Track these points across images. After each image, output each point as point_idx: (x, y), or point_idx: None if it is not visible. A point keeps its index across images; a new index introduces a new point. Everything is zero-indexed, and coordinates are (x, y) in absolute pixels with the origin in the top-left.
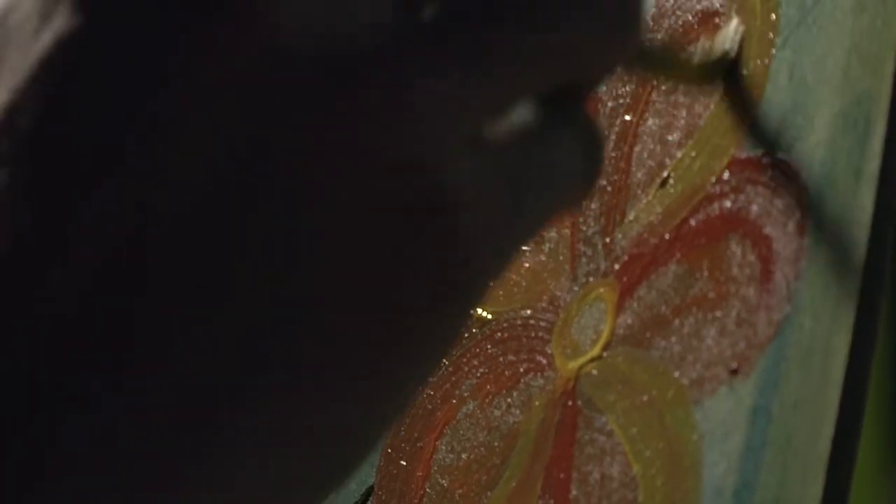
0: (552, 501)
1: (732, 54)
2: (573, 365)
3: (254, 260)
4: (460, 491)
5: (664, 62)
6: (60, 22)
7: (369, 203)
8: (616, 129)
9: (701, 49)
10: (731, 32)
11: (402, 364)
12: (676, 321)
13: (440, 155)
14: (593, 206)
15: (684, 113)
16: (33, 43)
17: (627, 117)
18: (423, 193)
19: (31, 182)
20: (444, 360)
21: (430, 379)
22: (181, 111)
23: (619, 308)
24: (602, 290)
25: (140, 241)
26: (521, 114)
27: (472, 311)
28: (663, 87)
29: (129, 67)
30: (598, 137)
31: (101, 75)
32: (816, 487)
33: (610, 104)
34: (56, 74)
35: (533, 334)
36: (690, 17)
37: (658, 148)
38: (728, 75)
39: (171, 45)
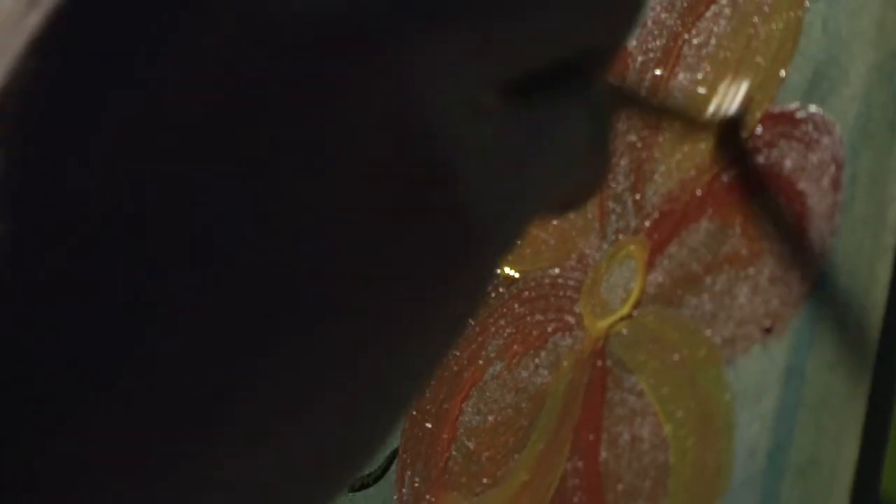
0: (581, 463)
1: (730, 113)
2: (602, 324)
3: (250, 234)
4: (487, 453)
5: (664, 108)
6: (47, 1)
7: (367, 172)
8: (646, 83)
9: (700, 101)
10: (731, 91)
11: (409, 343)
12: (708, 279)
13: (440, 121)
14: (623, 161)
15: (715, 66)
16: (22, 26)
17: (658, 71)
18: (421, 161)
19: (27, 161)
20: (471, 321)
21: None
22: (171, 81)
23: (650, 266)
24: (632, 247)
25: (139, 213)
26: (526, 85)
27: (481, 289)
28: (695, 42)
29: (117, 40)
30: (604, 120)
31: (88, 49)
32: (852, 449)
33: (640, 59)
34: (45, 50)
35: (561, 293)
36: None
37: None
38: (727, 129)
39: (158, 16)
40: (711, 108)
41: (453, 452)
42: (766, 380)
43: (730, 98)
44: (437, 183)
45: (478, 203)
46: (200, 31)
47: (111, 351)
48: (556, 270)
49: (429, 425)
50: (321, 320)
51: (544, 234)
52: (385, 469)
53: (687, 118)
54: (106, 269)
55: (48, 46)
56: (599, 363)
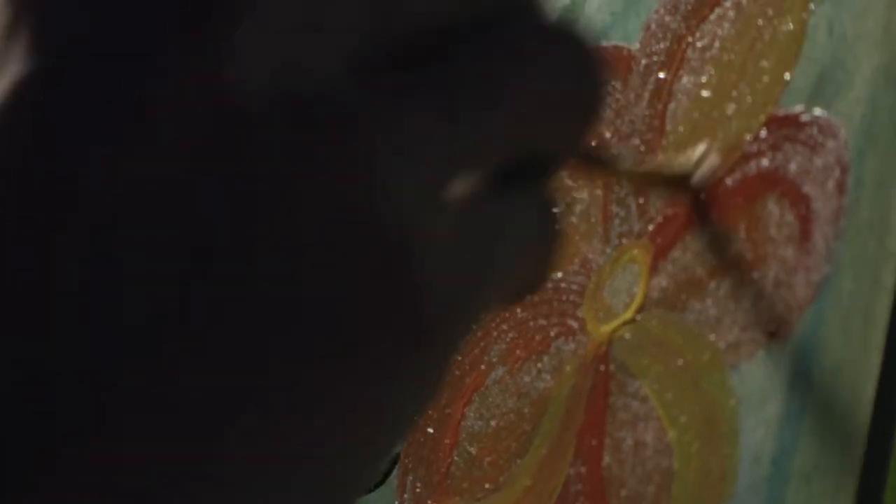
0: (584, 468)
1: (696, 177)
2: (605, 329)
3: (205, 321)
4: (489, 458)
5: (631, 171)
6: (15, 67)
7: (328, 257)
8: (650, 86)
9: (668, 163)
10: (697, 154)
11: (361, 430)
12: (712, 283)
13: (399, 211)
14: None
15: (719, 69)
16: None
17: (661, 75)
18: (381, 248)
19: None
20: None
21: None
22: (136, 167)
23: (653, 270)
24: (636, 251)
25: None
26: (479, 179)
27: (437, 379)
28: (699, 45)
29: (83, 119)
30: (554, 215)
31: (53, 125)
32: (858, 454)
33: (644, 62)
34: (8, 122)
35: (564, 297)
36: None
37: (692, 106)
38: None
39: (128, 98)
40: (691, 170)
41: (455, 457)
42: (771, 385)
43: (704, 159)
44: (395, 270)
45: (435, 291)
46: (167, 131)
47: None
48: (559, 275)
49: (430, 430)
50: (269, 409)
51: None
52: (386, 474)
53: (669, 182)
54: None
55: (12, 123)
56: (602, 368)
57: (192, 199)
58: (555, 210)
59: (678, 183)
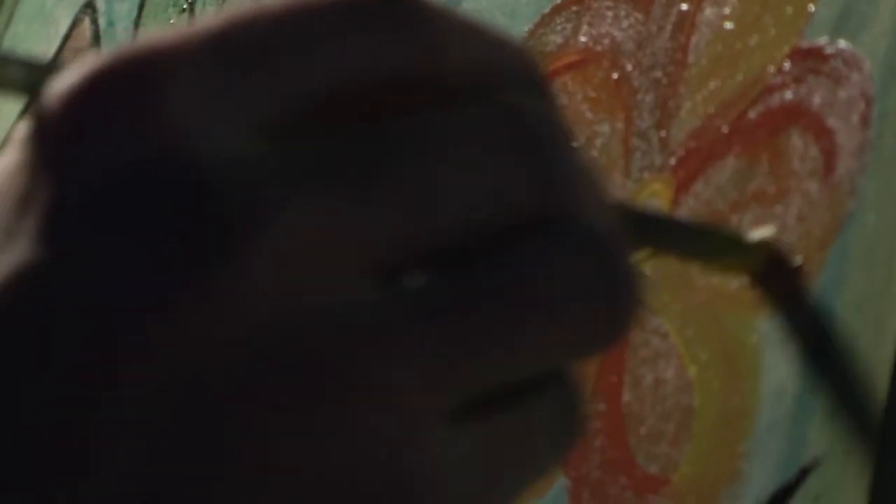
0: (604, 406)
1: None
2: None
3: None
4: None
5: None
6: (16, 254)
7: (333, 489)
8: (672, 18)
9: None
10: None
11: None
12: (735, 217)
13: (411, 438)
14: (648, 98)
15: (743, 1)
16: None
17: (684, 6)
18: (391, 478)
19: None
20: None
21: None
22: (130, 384)
23: (675, 204)
24: (657, 185)
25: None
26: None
27: None
28: None
29: (77, 322)
30: (578, 403)
31: (47, 321)
32: (882, 390)
33: None
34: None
35: None
36: None
37: (715, 38)
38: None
39: (127, 312)
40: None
41: None
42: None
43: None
44: (406, 500)
45: None
46: (169, 352)
47: None
48: None
49: None
50: None
51: None
52: None
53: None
54: None
55: (7, 310)
56: None
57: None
58: (578, 405)
59: (735, 263)
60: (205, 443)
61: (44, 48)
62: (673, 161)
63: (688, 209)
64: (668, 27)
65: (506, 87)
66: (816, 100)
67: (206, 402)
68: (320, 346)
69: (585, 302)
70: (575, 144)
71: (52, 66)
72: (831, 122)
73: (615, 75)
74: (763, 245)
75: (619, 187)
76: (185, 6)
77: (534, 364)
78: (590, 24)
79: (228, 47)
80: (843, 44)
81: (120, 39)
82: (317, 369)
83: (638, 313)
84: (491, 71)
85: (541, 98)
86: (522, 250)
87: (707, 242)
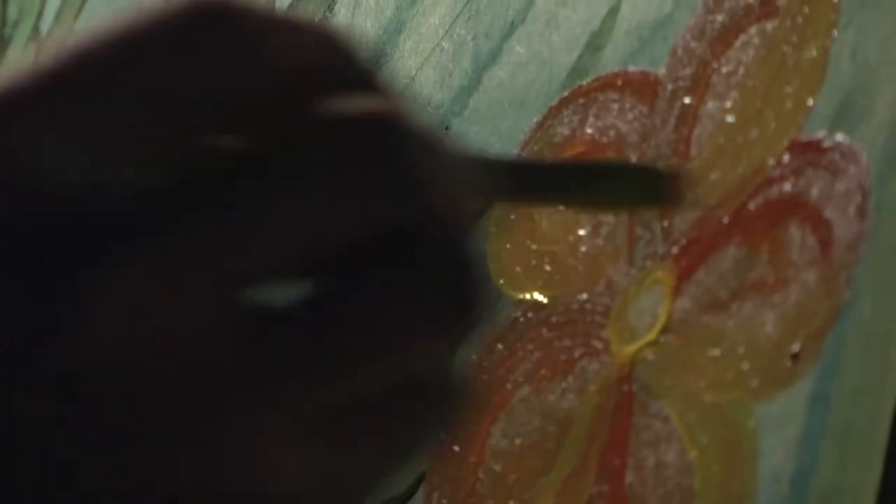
0: (607, 488)
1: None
2: (630, 349)
3: None
4: (514, 476)
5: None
6: None
7: None
8: (676, 111)
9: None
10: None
11: None
12: (735, 305)
13: (266, 460)
14: None
15: (744, 95)
16: None
17: (687, 100)
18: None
19: None
20: (500, 345)
21: (485, 364)
22: None
23: (677, 292)
24: (660, 273)
25: None
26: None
27: None
28: (724, 70)
29: None
30: (447, 400)
31: None
32: (875, 476)
33: (670, 87)
34: None
35: (589, 318)
36: (751, 1)
37: (717, 130)
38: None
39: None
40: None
41: (480, 475)
42: (791, 406)
43: None
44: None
45: None
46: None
47: None
48: (585, 296)
49: (457, 448)
50: None
51: (573, 259)
52: (412, 492)
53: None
54: None
55: None
56: (626, 388)
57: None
58: (448, 402)
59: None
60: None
61: None
62: (675, 250)
63: (689, 297)
64: (672, 120)
65: (335, 87)
66: (814, 192)
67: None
68: (172, 385)
69: (431, 317)
70: (418, 128)
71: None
72: (829, 213)
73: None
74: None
75: (623, 275)
76: None
77: (386, 375)
78: (596, 117)
79: (71, 88)
80: (840, 137)
81: None
82: (167, 405)
83: (482, 319)
84: (314, 75)
85: (373, 87)
86: (372, 271)
87: (599, 184)
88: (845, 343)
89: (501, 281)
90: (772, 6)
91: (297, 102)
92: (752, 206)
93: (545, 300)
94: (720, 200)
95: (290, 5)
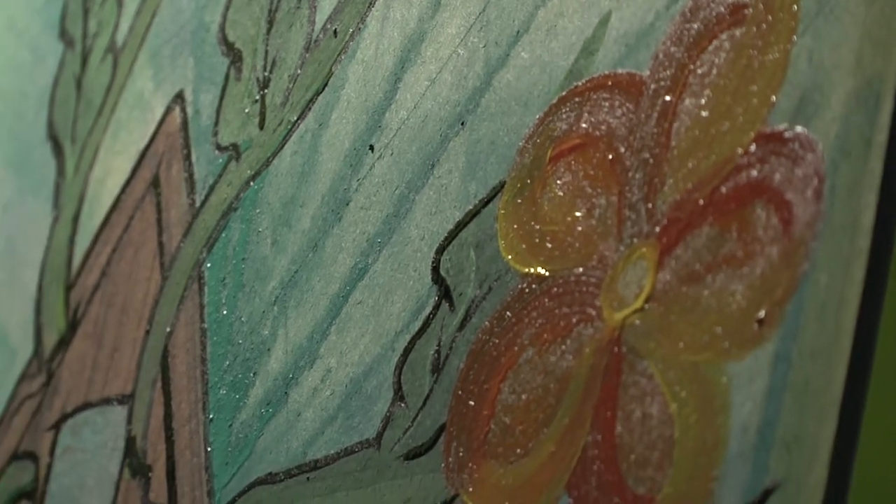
0: (599, 437)
1: None
2: (619, 316)
3: None
4: (520, 427)
5: None
6: None
7: None
8: (658, 108)
9: None
10: None
11: None
12: (709, 277)
13: None
14: (637, 175)
15: (716, 92)
16: None
17: (668, 97)
18: None
19: None
20: (508, 313)
21: (496, 329)
22: None
23: (660, 266)
24: (644, 249)
25: None
26: None
27: None
28: (699, 71)
29: None
30: None
31: None
32: (830, 426)
33: (653, 86)
34: None
35: (584, 289)
36: (723, 9)
37: (693, 124)
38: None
39: None
40: None
41: (492, 426)
42: (758, 365)
43: None
44: None
45: None
46: None
47: None
48: (580, 269)
49: (471, 403)
50: None
51: (570, 238)
52: (434, 440)
53: None
54: None
55: None
56: (616, 350)
57: None
58: None
59: None
60: None
61: (141, 132)
62: (658, 229)
63: (670, 270)
64: (655, 115)
65: None
66: (777, 177)
67: None
68: None
69: None
70: None
71: None
72: (790, 195)
73: (610, 156)
74: None
75: (614, 251)
76: (257, 97)
77: None
78: (590, 113)
79: None
80: (799, 129)
81: (204, 126)
82: None
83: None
84: None
85: None
86: None
87: None
88: (804, 309)
89: (510, 257)
90: (740, 15)
91: None
92: (723, 189)
93: (547, 273)
94: (696, 185)
95: (329, 18)
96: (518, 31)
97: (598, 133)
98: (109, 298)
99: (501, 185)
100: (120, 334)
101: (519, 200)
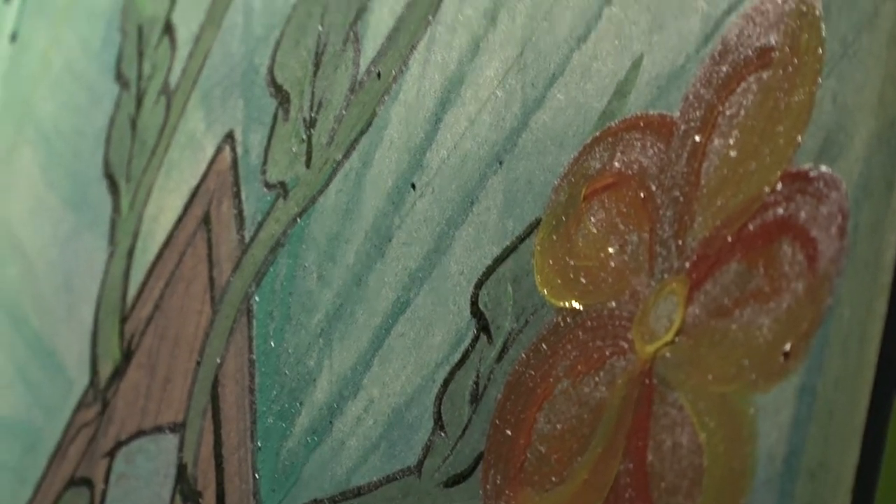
0: (631, 465)
1: None
2: (650, 349)
3: None
4: (555, 456)
5: None
6: None
7: None
8: (688, 148)
9: None
10: None
11: None
12: (737, 311)
13: None
14: (668, 213)
15: (744, 133)
16: None
17: (697, 138)
18: None
19: None
20: (544, 345)
21: (532, 361)
22: None
23: (689, 300)
24: (675, 285)
25: None
26: None
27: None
28: (728, 113)
29: None
30: None
31: None
32: (853, 455)
33: (683, 127)
34: None
35: (617, 323)
36: (750, 53)
37: (722, 163)
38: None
39: None
40: None
41: (528, 455)
42: (784, 396)
43: None
44: None
45: None
46: None
47: None
48: (613, 304)
49: (508, 432)
50: None
51: (604, 273)
52: (473, 468)
53: None
54: None
55: None
56: (647, 381)
57: None
58: None
59: None
60: None
61: (193, 171)
62: (688, 265)
63: (699, 304)
64: (685, 155)
65: None
66: (803, 215)
67: None
68: None
69: None
70: None
71: None
72: (815, 232)
73: (642, 194)
74: None
75: (645, 286)
76: (304, 137)
77: None
78: (622, 153)
79: None
80: (824, 168)
81: (253, 164)
82: None
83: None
84: None
85: None
86: None
87: None
88: (828, 342)
89: (545, 291)
90: (767, 58)
91: None
92: (751, 227)
93: (581, 307)
94: (724, 222)
95: (373, 61)
96: (554, 74)
97: (630, 172)
98: (162, 331)
99: (537, 222)
100: (172, 365)
101: (554, 237)
